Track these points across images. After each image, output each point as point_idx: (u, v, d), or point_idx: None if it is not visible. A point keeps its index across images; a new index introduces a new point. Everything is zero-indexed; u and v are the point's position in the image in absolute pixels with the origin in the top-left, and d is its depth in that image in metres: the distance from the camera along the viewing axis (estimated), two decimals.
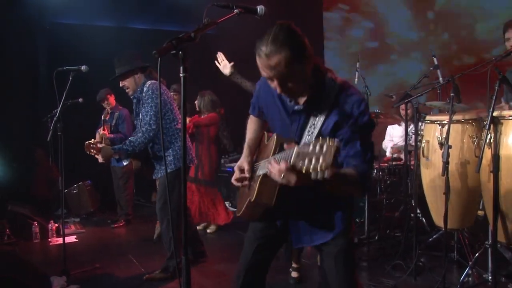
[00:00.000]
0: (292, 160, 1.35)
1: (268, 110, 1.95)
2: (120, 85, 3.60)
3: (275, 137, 1.80)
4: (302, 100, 1.72)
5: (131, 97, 3.63)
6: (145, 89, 3.46)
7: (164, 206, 3.57)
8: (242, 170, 1.92)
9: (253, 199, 1.75)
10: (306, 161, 1.30)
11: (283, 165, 1.39)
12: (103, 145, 3.50)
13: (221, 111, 5.42)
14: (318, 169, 1.27)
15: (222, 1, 1.77)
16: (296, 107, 1.74)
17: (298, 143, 1.68)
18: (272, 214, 1.88)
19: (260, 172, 1.80)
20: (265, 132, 2.04)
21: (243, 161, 1.95)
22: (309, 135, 1.69)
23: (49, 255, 4.71)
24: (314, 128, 1.67)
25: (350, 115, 1.60)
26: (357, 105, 1.63)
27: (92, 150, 3.44)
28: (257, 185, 1.74)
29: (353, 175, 1.56)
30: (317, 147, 1.29)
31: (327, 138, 1.30)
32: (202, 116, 5.29)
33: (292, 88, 1.63)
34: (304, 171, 1.30)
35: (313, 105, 1.70)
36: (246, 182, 1.91)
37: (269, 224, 1.96)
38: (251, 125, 2.09)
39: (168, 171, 3.52)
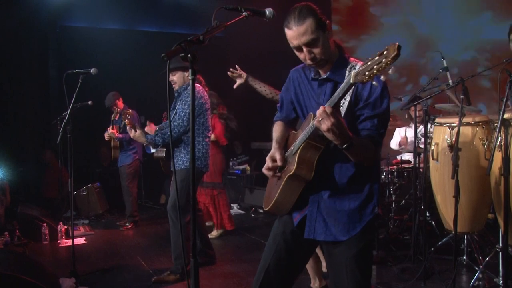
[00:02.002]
0: (352, 78, 1.50)
1: (300, 98, 1.99)
2: (169, 79, 3.76)
3: (311, 115, 1.80)
4: (327, 71, 1.85)
5: (174, 91, 3.82)
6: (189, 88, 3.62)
7: (175, 204, 3.62)
8: (274, 160, 1.90)
9: (292, 172, 1.78)
10: (368, 71, 1.42)
11: (328, 107, 1.55)
12: (146, 128, 3.85)
13: (222, 109, 5.39)
14: (384, 65, 1.36)
15: (231, 4, 1.78)
16: (323, 76, 1.86)
17: None
18: (301, 201, 1.87)
19: (295, 148, 1.83)
20: (292, 131, 2.02)
21: (275, 152, 1.92)
22: (340, 107, 1.73)
23: (58, 256, 4.75)
24: (345, 100, 1.72)
25: (370, 93, 1.75)
26: (377, 80, 1.78)
27: (131, 127, 3.73)
28: (297, 156, 1.78)
29: (368, 141, 1.73)
30: (376, 57, 1.40)
31: (388, 46, 1.39)
32: None
33: (319, 55, 1.77)
34: (370, 75, 1.42)
35: (338, 75, 1.80)
36: (278, 173, 1.89)
37: (289, 229, 1.94)
38: (276, 127, 2.10)
39: (183, 167, 3.65)
